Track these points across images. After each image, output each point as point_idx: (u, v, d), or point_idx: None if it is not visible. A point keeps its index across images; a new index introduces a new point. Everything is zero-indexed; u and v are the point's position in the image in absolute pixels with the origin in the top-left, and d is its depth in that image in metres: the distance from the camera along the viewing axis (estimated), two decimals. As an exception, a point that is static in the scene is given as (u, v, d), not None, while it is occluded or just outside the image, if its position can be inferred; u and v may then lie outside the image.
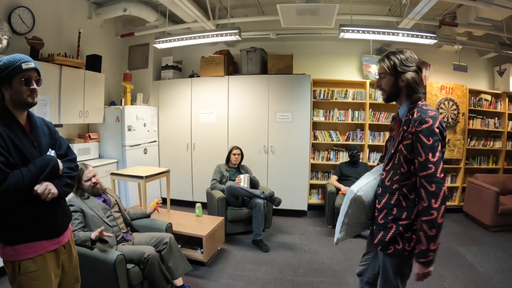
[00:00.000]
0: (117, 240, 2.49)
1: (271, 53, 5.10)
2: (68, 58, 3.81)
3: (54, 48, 3.84)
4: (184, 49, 5.27)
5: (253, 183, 4.17)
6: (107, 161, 4.34)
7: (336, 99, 5.06)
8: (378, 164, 1.87)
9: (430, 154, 1.40)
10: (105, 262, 2.14)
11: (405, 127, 1.52)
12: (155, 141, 5.23)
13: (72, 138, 4.25)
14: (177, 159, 5.23)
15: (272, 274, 3.07)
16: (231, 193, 3.85)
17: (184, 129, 5.18)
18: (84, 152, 4.23)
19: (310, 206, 5.02)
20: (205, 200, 4.27)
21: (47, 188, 1.41)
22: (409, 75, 1.51)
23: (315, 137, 5.11)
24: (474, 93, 5.12)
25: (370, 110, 5.00)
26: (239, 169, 4.32)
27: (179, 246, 2.77)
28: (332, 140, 5.13)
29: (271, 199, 3.72)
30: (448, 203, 5.09)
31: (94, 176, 2.54)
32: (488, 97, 5.11)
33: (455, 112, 4.90)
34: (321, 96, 5.08)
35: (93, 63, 4.26)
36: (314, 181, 5.16)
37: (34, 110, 1.56)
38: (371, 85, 4.99)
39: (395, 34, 3.61)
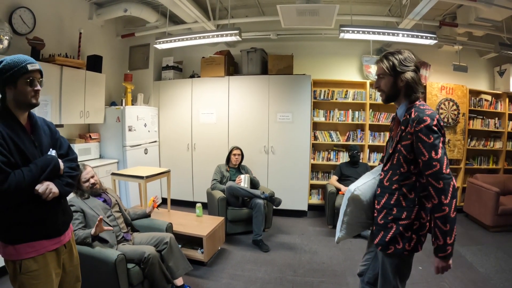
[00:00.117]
0: (118, 240, 2.49)
1: (272, 53, 5.10)
2: (69, 58, 3.82)
3: (55, 48, 3.85)
4: (185, 50, 5.27)
5: (254, 183, 4.17)
6: (107, 161, 4.35)
7: (336, 99, 5.07)
8: (379, 164, 1.87)
9: (433, 152, 1.41)
10: (106, 261, 2.14)
11: (403, 127, 1.53)
12: (155, 141, 5.24)
13: (73, 138, 4.26)
14: (177, 159, 5.24)
15: (272, 274, 3.07)
16: (231, 193, 3.85)
17: (185, 129, 5.19)
18: (84, 152, 4.23)
19: (310, 206, 5.02)
20: (205, 200, 4.28)
21: (48, 187, 1.42)
22: (409, 74, 1.52)
23: (316, 138, 5.12)
24: (474, 93, 5.13)
25: (370, 110, 5.00)
26: (240, 169, 4.33)
27: (180, 246, 2.77)
28: (332, 141, 5.13)
29: (271, 199, 3.72)
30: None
31: (92, 177, 2.53)
32: (488, 98, 5.11)
33: (455, 112, 4.90)
34: (321, 97, 5.09)
35: (94, 64, 4.27)
36: (314, 181, 5.17)
37: (35, 110, 1.56)
38: (371, 85, 4.98)
39: (395, 34, 3.61)
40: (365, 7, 4.65)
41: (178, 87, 5.22)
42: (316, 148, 5.24)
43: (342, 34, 3.62)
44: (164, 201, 5.25)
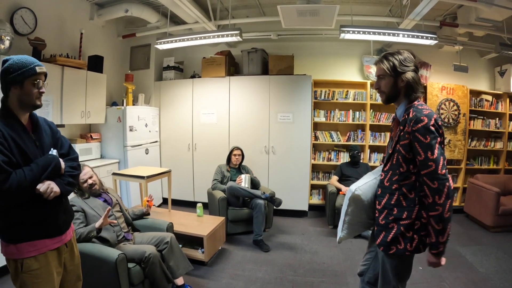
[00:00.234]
0: (119, 240, 2.50)
1: (272, 53, 5.11)
2: (70, 58, 3.83)
3: (56, 49, 3.86)
4: (186, 50, 5.29)
5: (254, 184, 4.18)
6: (108, 161, 4.36)
7: (337, 99, 5.07)
8: (380, 165, 1.88)
9: (429, 153, 1.41)
10: (107, 261, 2.15)
11: (401, 127, 1.54)
12: (156, 142, 5.25)
13: (74, 138, 4.27)
14: (178, 159, 5.25)
15: (273, 274, 3.08)
16: (232, 193, 3.86)
17: (186, 129, 5.20)
18: (86, 152, 4.25)
19: (311, 207, 5.03)
20: (206, 200, 4.29)
21: (49, 187, 1.42)
22: (409, 75, 1.52)
23: (316, 138, 5.12)
24: (475, 93, 5.12)
25: (371, 110, 5.01)
26: (240, 169, 4.34)
27: (180, 245, 2.78)
28: (333, 141, 5.13)
29: (272, 199, 3.73)
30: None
31: (90, 177, 2.53)
32: (489, 98, 5.11)
33: (456, 112, 4.90)
34: (322, 97, 5.09)
35: (95, 64, 4.29)
36: (315, 182, 5.17)
37: (37, 110, 1.57)
38: (372, 85, 4.98)
39: (396, 34, 3.61)
40: (365, 7, 4.66)
41: (179, 87, 5.23)
42: (316, 148, 5.25)
43: (342, 35, 3.63)
44: (165, 201, 5.27)
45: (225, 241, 3.69)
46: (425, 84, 4.91)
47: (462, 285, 2.85)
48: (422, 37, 3.60)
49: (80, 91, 4.03)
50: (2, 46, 3.06)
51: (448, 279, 2.93)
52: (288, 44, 5.33)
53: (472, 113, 5.06)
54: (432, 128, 1.42)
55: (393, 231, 1.54)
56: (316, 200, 5.22)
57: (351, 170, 4.46)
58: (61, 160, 1.55)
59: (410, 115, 1.48)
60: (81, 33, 4.19)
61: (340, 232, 1.82)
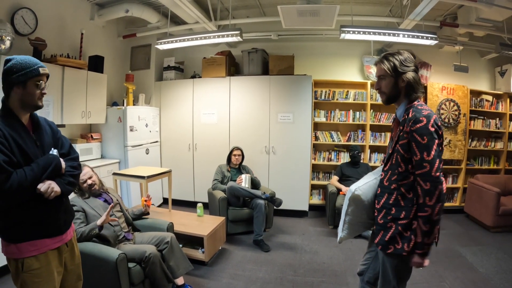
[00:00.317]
0: (119, 239, 2.51)
1: (273, 54, 5.11)
2: (70, 59, 3.84)
3: (56, 49, 3.86)
4: (186, 50, 5.29)
5: (254, 184, 4.18)
6: (109, 161, 4.37)
7: (337, 99, 5.07)
8: (381, 165, 1.88)
9: (425, 153, 1.42)
10: (107, 260, 2.15)
11: (401, 127, 1.54)
12: (157, 142, 5.25)
13: (75, 138, 4.27)
14: (178, 159, 5.26)
15: (273, 274, 3.08)
16: (232, 193, 3.86)
17: (186, 129, 5.20)
18: (86, 152, 4.25)
19: (311, 207, 5.03)
20: (206, 200, 4.29)
21: (50, 186, 1.43)
22: (410, 75, 1.53)
23: (316, 138, 5.12)
24: (475, 93, 5.12)
25: (371, 110, 5.01)
26: (240, 169, 4.34)
27: (181, 245, 2.78)
28: (333, 141, 5.14)
29: (272, 199, 3.73)
30: (449, 204, 5.13)
31: (90, 178, 2.53)
32: (489, 98, 5.11)
33: (456, 112, 4.90)
34: (322, 97, 5.09)
35: (96, 64, 4.29)
36: (315, 182, 5.17)
37: (37, 111, 1.58)
38: (372, 85, 4.99)
39: (396, 35, 3.61)
40: (365, 7, 4.66)
41: (180, 88, 5.24)
42: (317, 148, 5.25)
43: (342, 35, 3.63)
44: (165, 201, 5.27)
45: (225, 241, 3.69)
46: (425, 84, 4.91)
47: (462, 285, 2.85)
48: (422, 37, 3.60)
49: (81, 91, 4.03)
50: (3, 46, 3.06)
51: (448, 279, 2.93)
52: (288, 44, 5.33)
53: (473, 113, 5.06)
54: (431, 129, 1.42)
55: (391, 231, 1.54)
56: (317, 200, 5.22)
57: (352, 170, 4.46)
58: (61, 159, 1.56)
59: (410, 115, 1.49)
60: (82, 33, 4.20)
61: (340, 232, 1.82)
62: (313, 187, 5.18)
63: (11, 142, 1.39)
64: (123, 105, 4.66)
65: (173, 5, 3.95)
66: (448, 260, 3.36)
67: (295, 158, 4.79)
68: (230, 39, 3.82)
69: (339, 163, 4.88)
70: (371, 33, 3.62)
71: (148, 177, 3.51)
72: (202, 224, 3.43)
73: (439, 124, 1.46)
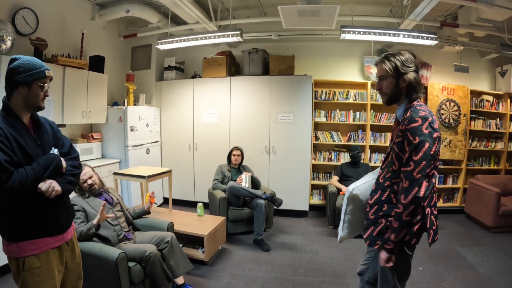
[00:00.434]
0: (119, 239, 2.51)
1: (273, 54, 5.12)
2: (71, 59, 3.85)
3: (57, 49, 3.87)
4: (187, 50, 5.30)
5: (255, 183, 4.18)
6: (109, 161, 4.38)
7: (337, 100, 5.07)
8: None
9: (413, 153, 1.42)
10: (107, 260, 2.16)
11: (399, 127, 1.55)
12: (157, 141, 5.26)
13: (75, 138, 4.28)
14: (179, 159, 5.26)
15: (273, 273, 3.08)
16: (232, 193, 3.87)
17: (186, 129, 5.21)
18: (87, 152, 4.26)
19: (312, 207, 5.03)
20: (207, 200, 4.29)
21: (51, 185, 1.44)
22: (411, 75, 1.53)
23: (317, 138, 5.13)
24: (475, 94, 5.12)
25: (372, 111, 5.01)
26: (240, 169, 4.34)
27: (181, 245, 2.79)
28: (333, 141, 5.14)
29: (272, 199, 3.73)
30: (449, 204, 5.14)
31: (90, 177, 2.54)
32: (490, 98, 5.10)
33: (457, 113, 4.90)
34: (323, 97, 5.09)
35: (96, 64, 4.30)
36: (316, 182, 5.17)
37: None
38: (373, 86, 4.99)
39: (396, 35, 3.61)
40: (366, 8, 4.66)
41: (180, 88, 5.25)
42: (317, 148, 5.25)
43: (343, 35, 3.63)
44: (165, 200, 5.28)
45: (226, 240, 3.70)
46: (425, 85, 4.91)
47: (462, 285, 2.85)
48: (422, 38, 3.60)
49: (82, 91, 4.04)
50: (4, 46, 3.07)
51: (448, 279, 2.93)
52: (288, 44, 5.33)
53: (473, 113, 5.05)
54: (425, 131, 1.41)
55: (381, 226, 1.56)
56: (317, 200, 5.22)
57: (352, 170, 4.46)
58: (62, 159, 1.57)
59: (407, 115, 1.49)
60: (83, 33, 4.21)
61: (341, 232, 1.84)
62: (313, 187, 5.18)
63: (12, 141, 1.40)
64: (124, 105, 4.67)
65: (174, 5, 3.95)
66: (448, 260, 3.36)
67: (295, 158, 4.80)
68: (230, 39, 3.82)
69: (339, 163, 4.88)
70: (372, 33, 3.62)
71: (149, 177, 3.51)
72: (202, 224, 3.43)
73: (435, 126, 1.45)
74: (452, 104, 4.90)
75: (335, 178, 4.51)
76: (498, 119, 5.14)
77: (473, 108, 5.03)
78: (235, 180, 4.11)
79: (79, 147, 4.09)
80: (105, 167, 4.22)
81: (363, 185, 1.73)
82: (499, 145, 5.12)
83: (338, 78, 5.18)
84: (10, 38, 3.12)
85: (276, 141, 4.84)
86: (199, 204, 3.74)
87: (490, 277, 2.99)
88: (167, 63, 5.43)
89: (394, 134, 1.65)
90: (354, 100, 5.06)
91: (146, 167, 4.03)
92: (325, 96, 5.09)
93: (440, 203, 5.15)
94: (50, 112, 3.58)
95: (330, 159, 5.18)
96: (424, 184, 1.40)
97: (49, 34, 3.70)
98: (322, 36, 5.06)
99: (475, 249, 3.68)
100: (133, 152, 4.60)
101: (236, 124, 4.96)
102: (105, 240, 2.37)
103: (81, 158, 1.81)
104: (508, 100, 5.04)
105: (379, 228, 1.56)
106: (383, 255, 1.51)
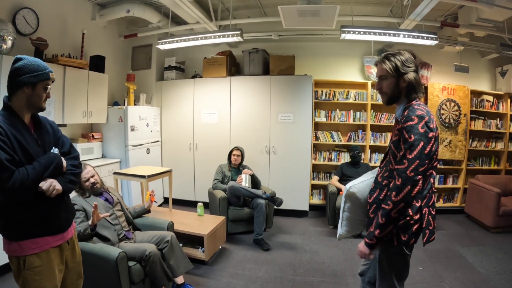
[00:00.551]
0: (119, 238, 2.52)
1: (273, 54, 5.12)
2: (72, 58, 3.85)
3: (58, 49, 3.88)
4: (187, 50, 5.31)
5: (255, 182, 4.19)
6: (110, 161, 4.38)
7: (337, 100, 5.07)
8: None
9: (408, 151, 1.42)
10: (107, 259, 2.17)
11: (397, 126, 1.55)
12: (157, 141, 5.27)
13: (76, 138, 4.29)
14: (179, 159, 5.27)
15: (273, 273, 3.09)
16: (233, 193, 3.87)
17: (187, 129, 5.22)
18: (87, 151, 4.27)
19: (312, 207, 5.03)
20: (207, 200, 4.30)
21: (51, 185, 1.44)
22: (411, 75, 1.53)
23: (317, 138, 5.13)
24: (476, 94, 5.12)
25: (372, 111, 5.01)
26: (240, 169, 4.34)
27: (181, 244, 2.79)
28: (333, 141, 5.14)
29: (273, 199, 3.74)
30: (449, 204, 5.14)
31: (92, 176, 2.55)
32: (490, 98, 5.10)
33: (457, 113, 4.90)
34: (323, 97, 5.10)
35: (97, 64, 4.31)
36: (316, 182, 5.18)
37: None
38: (373, 86, 4.99)
39: (396, 35, 3.61)
40: (366, 8, 4.67)
41: (180, 88, 5.25)
42: (317, 148, 5.25)
43: (343, 35, 3.63)
44: (166, 200, 5.28)
45: (226, 240, 3.70)
46: (426, 85, 4.91)
47: (462, 285, 2.85)
48: (423, 38, 3.60)
49: (82, 91, 4.05)
50: (5, 46, 3.08)
51: (448, 279, 2.93)
52: (289, 44, 5.34)
53: (473, 113, 5.05)
54: (421, 130, 1.41)
55: None
56: (317, 200, 5.22)
57: (352, 170, 4.46)
58: (62, 158, 1.57)
59: (405, 114, 1.50)
60: (83, 33, 4.22)
61: (340, 229, 1.85)
62: (314, 187, 5.19)
63: (13, 140, 1.41)
64: (124, 105, 4.67)
65: (174, 5, 3.96)
66: (448, 260, 3.36)
67: (295, 158, 4.80)
68: (230, 39, 3.82)
69: (339, 163, 4.89)
70: (372, 33, 3.62)
71: (149, 176, 3.52)
72: (203, 224, 3.44)
73: (432, 126, 1.44)
74: (453, 104, 4.90)
75: (335, 178, 4.51)
76: (498, 119, 5.13)
77: (474, 108, 5.03)
78: (235, 180, 4.11)
79: (79, 146, 4.10)
80: (106, 167, 4.22)
81: (360, 184, 1.74)
82: (499, 145, 5.12)
83: (338, 78, 5.18)
84: (11, 38, 3.13)
85: (276, 141, 4.84)
86: (199, 204, 3.74)
87: (490, 277, 2.99)
88: (168, 63, 5.44)
89: (393, 133, 1.65)
90: (354, 100, 5.06)
91: (147, 167, 4.04)
92: (325, 96, 5.10)
93: (440, 203, 5.15)
94: (50, 112, 3.59)
95: (330, 159, 5.18)
96: (417, 183, 1.40)
97: (49, 34, 3.71)
98: (322, 36, 5.06)
99: (475, 249, 3.68)
100: (134, 152, 4.61)
101: (237, 124, 4.97)
102: (105, 239, 2.38)
103: (81, 158, 1.82)
104: (509, 100, 5.03)
105: None
106: (363, 248, 1.52)
